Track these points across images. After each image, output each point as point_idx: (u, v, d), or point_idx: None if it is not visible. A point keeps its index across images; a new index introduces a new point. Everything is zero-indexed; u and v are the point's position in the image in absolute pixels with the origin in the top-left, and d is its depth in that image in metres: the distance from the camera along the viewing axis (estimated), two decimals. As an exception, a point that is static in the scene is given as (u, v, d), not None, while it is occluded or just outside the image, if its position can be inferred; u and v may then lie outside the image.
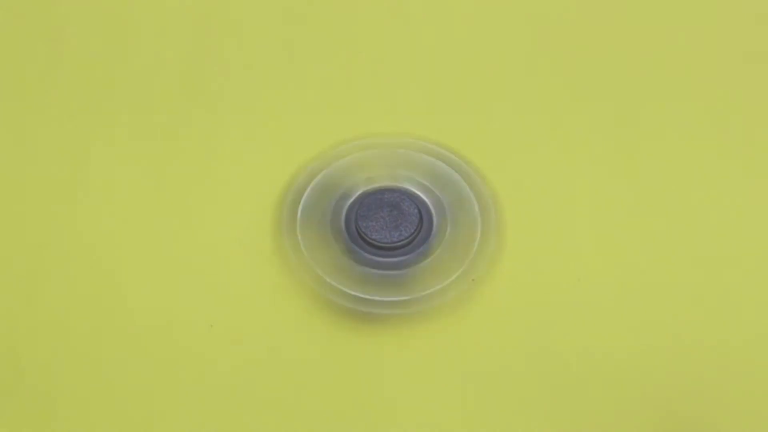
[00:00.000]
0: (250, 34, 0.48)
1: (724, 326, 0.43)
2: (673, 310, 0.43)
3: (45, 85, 0.47)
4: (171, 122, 0.46)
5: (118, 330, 0.43)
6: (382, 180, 0.45)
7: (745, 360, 0.42)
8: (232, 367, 0.42)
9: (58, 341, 0.42)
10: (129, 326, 0.43)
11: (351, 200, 0.44)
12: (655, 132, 0.46)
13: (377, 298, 0.43)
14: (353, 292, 0.43)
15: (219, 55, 0.47)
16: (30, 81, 0.47)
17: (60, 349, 0.42)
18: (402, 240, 0.43)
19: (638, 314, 0.43)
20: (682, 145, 0.45)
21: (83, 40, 0.47)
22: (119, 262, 0.44)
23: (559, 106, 0.46)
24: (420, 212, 0.43)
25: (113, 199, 0.45)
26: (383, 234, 0.43)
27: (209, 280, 0.43)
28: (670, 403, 0.42)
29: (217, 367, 0.42)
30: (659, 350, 0.42)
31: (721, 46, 0.47)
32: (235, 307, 0.43)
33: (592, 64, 0.47)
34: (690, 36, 0.48)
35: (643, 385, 0.42)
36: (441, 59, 0.47)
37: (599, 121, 0.46)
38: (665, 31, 0.48)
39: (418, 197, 0.44)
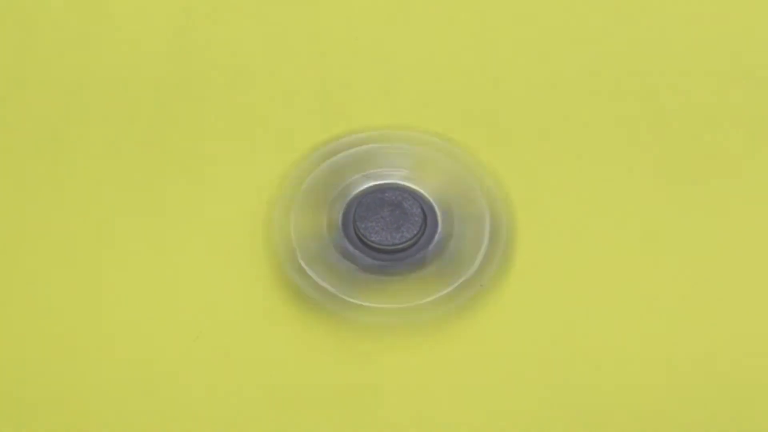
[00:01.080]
0: (242, 25, 0.47)
1: (733, 330, 0.43)
2: (687, 319, 0.43)
3: (34, 80, 0.46)
4: (158, 120, 0.46)
5: (107, 336, 0.43)
6: (382, 177, 0.44)
7: (755, 364, 0.43)
8: (223, 375, 0.42)
9: (37, 348, 0.43)
10: (121, 331, 0.43)
11: (348, 200, 0.43)
12: (668, 130, 0.45)
13: (378, 305, 0.42)
14: (352, 300, 0.42)
15: (208, 48, 0.47)
16: (26, 80, 0.46)
17: (39, 358, 0.43)
18: (404, 242, 0.42)
19: (650, 320, 0.43)
20: (693, 146, 0.45)
21: (63, 34, 0.47)
22: (103, 267, 0.44)
23: (572, 103, 0.46)
24: (423, 212, 0.42)
25: (95, 201, 0.44)
26: (384, 236, 0.42)
27: (198, 288, 0.43)
28: (680, 409, 0.42)
29: (209, 374, 0.42)
30: (670, 356, 0.43)
31: (744, 67, 0.47)
32: (225, 315, 0.43)
33: (601, 61, 0.46)
34: (706, 42, 0.47)
35: (653, 392, 0.42)
36: (451, 53, 0.47)
37: (613, 121, 0.45)
38: (668, 30, 0.47)
39: (421, 195, 0.43)
